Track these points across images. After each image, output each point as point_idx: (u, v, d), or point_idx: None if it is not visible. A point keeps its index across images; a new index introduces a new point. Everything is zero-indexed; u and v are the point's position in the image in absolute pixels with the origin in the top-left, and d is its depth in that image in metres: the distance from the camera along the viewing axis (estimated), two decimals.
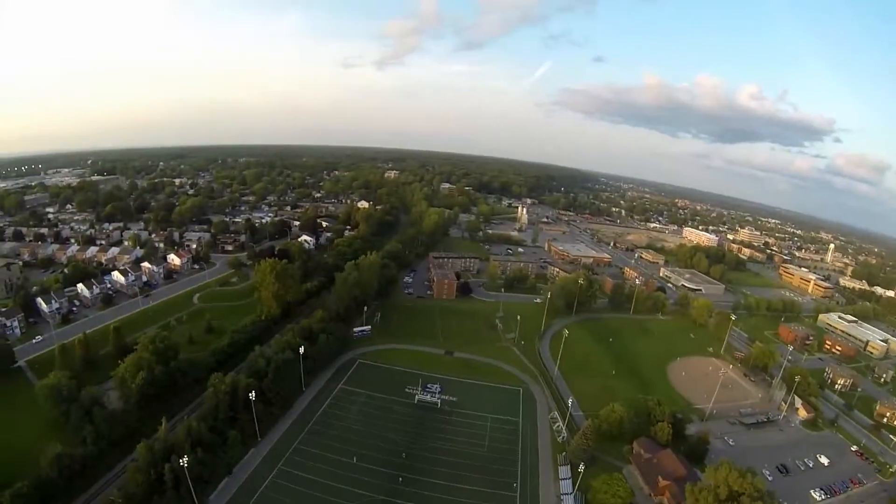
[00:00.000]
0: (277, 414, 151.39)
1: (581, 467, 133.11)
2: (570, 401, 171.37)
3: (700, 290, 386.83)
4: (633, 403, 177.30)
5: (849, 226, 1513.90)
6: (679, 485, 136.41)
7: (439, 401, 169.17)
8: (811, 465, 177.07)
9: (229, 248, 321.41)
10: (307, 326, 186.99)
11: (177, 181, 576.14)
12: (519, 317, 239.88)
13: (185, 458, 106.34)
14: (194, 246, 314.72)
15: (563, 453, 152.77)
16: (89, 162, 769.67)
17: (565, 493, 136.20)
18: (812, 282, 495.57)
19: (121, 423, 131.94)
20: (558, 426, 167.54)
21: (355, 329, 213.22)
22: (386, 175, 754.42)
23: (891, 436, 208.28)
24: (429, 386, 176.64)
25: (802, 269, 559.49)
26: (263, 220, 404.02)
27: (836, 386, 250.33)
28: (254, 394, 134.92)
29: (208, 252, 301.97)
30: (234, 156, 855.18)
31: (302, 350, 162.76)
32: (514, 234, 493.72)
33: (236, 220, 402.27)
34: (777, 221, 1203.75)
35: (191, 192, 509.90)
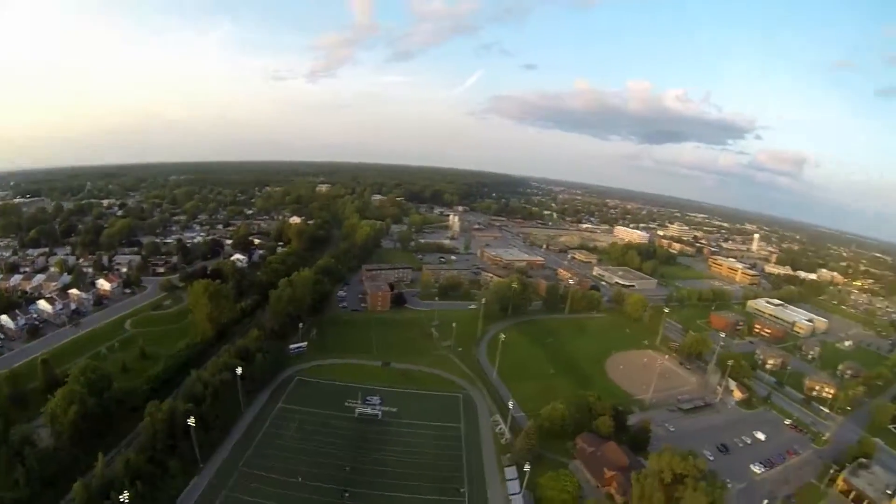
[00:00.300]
0: (218, 439, 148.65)
1: (527, 467, 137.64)
2: (510, 403, 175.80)
3: (633, 286, 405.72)
4: (574, 400, 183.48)
5: (772, 216, 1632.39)
6: (624, 474, 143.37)
7: (380, 412, 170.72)
8: (749, 442, 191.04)
9: (161, 270, 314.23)
10: (243, 346, 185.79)
11: (105, 202, 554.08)
12: (454, 324, 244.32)
13: (126, 494, 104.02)
14: (125, 270, 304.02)
15: (508, 454, 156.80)
16: (11, 184, 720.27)
17: (513, 494, 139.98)
18: (739, 271, 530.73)
19: (54, 461, 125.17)
20: (500, 429, 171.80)
21: (291, 346, 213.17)
22: (317, 189, 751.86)
23: (821, 407, 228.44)
24: (368, 398, 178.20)
25: (730, 259, 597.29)
26: (195, 240, 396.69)
27: (767, 366, 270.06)
28: (192, 420, 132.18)
29: (139, 275, 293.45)
30: (165, 174, 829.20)
31: (239, 371, 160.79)
32: (447, 242, 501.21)
33: (167, 240, 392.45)
34: (704, 216, 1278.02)
35: (120, 213, 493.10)
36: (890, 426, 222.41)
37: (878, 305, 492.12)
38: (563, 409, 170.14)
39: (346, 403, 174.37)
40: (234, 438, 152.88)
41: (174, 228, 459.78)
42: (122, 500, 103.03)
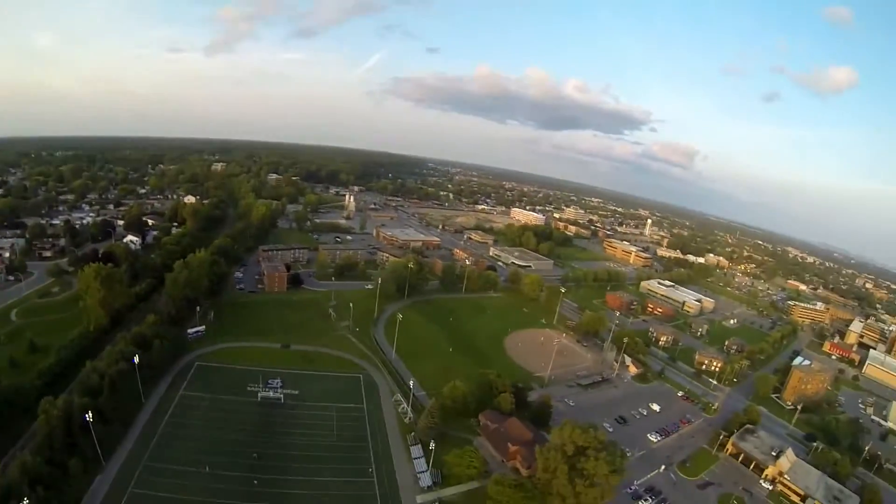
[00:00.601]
0: (119, 433, 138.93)
1: (431, 445, 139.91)
2: (411, 382, 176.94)
3: (530, 266, 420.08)
4: (475, 378, 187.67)
5: (664, 203, 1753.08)
6: (528, 448, 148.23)
7: (282, 396, 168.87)
8: (645, 413, 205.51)
9: (48, 254, 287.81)
10: (139, 333, 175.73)
11: None
12: (352, 304, 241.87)
13: (26, 502, 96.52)
14: (7, 255, 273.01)
15: (412, 433, 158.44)
16: None
17: (420, 472, 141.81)
18: (633, 253, 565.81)
19: None
20: (403, 408, 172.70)
21: (190, 330, 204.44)
22: (213, 168, 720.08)
23: (710, 380, 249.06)
24: (270, 382, 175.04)
25: (624, 242, 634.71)
26: (85, 221, 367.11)
27: (660, 343, 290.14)
28: (90, 415, 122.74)
29: (23, 260, 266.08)
30: (50, 149, 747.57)
31: (136, 359, 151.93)
32: (343, 222, 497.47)
33: (54, 222, 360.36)
34: (599, 200, 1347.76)
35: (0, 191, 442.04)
36: (772, 395, 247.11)
37: (760, 288, 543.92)
38: (463, 388, 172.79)
39: (249, 388, 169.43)
40: (136, 431, 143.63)
41: (61, 209, 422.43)
42: None
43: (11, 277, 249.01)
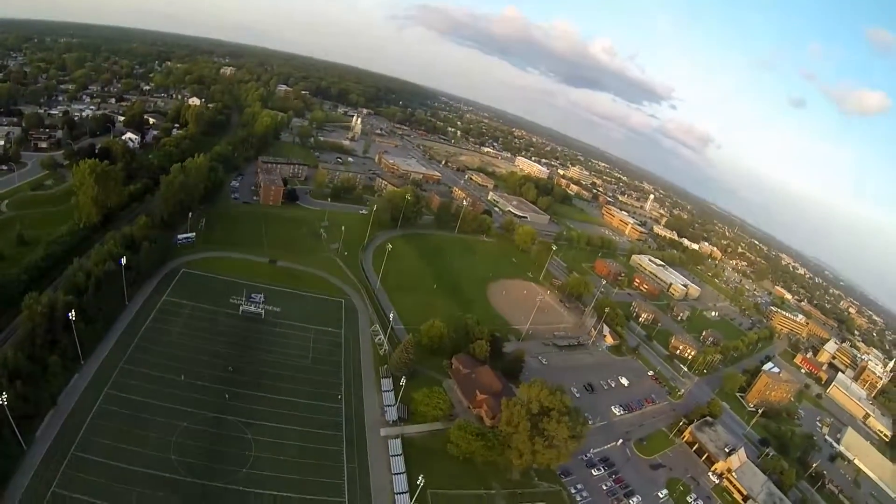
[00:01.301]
0: (100, 333, 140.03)
1: (403, 381, 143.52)
2: (391, 315, 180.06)
3: (526, 217, 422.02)
4: (454, 320, 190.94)
5: (669, 181, 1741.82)
6: (495, 398, 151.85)
7: (263, 311, 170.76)
8: (613, 385, 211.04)
9: (44, 145, 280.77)
10: (129, 234, 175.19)
11: None
12: (344, 227, 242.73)
13: (4, 396, 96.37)
14: (1, 143, 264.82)
15: (385, 366, 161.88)
16: None
17: (388, 405, 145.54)
18: (630, 225, 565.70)
19: None
20: (380, 339, 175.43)
21: (179, 236, 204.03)
22: (221, 71, 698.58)
23: (681, 365, 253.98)
24: (253, 296, 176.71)
25: (623, 212, 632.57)
26: (84, 114, 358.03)
27: (640, 319, 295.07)
28: (73, 313, 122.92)
29: (18, 150, 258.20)
30: (54, 34, 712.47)
31: (124, 261, 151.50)
32: (346, 143, 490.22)
33: (52, 112, 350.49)
34: (606, 165, 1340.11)
35: None
36: (737, 394, 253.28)
37: (747, 287, 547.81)
38: (441, 328, 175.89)
39: (231, 300, 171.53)
40: (116, 333, 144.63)
41: (61, 98, 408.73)
42: (1, 401, 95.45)
43: (4, 167, 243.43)
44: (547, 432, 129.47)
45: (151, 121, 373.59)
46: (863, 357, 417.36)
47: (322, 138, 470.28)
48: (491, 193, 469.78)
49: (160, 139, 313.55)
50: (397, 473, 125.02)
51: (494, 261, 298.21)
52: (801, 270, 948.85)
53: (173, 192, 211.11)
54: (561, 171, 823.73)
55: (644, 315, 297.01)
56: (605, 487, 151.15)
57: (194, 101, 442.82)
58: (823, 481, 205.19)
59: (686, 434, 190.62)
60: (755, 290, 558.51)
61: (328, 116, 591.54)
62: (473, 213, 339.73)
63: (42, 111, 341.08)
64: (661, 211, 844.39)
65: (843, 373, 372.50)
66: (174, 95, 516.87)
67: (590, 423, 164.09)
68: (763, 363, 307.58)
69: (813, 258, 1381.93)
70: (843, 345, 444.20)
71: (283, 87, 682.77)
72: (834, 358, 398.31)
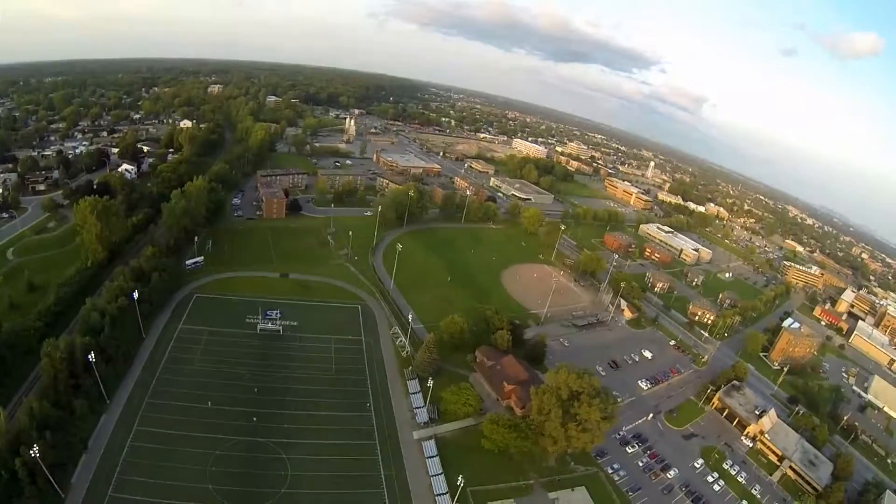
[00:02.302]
0: (121, 370, 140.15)
1: (430, 382, 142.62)
2: (409, 315, 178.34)
3: (530, 199, 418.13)
4: (472, 313, 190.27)
5: (667, 146, 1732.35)
6: (523, 387, 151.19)
7: (281, 327, 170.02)
8: (637, 360, 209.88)
9: (41, 187, 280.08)
10: (138, 267, 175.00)
11: None
12: (351, 232, 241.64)
13: (35, 448, 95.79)
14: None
15: (410, 367, 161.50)
16: None
17: (418, 407, 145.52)
18: (634, 195, 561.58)
19: None
20: (401, 341, 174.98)
21: (188, 261, 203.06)
22: (209, 90, 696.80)
23: (702, 331, 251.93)
24: (269, 313, 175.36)
25: (626, 182, 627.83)
26: (78, 151, 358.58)
27: (656, 289, 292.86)
28: (93, 355, 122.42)
29: (17, 196, 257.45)
30: (39, 75, 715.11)
31: (136, 295, 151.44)
32: (342, 146, 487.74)
33: (46, 153, 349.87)
34: (603, 137, 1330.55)
35: None
36: (761, 354, 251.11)
37: (758, 244, 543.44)
38: (461, 322, 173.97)
39: (247, 319, 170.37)
40: (138, 367, 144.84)
41: (53, 138, 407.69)
42: (33, 454, 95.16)
43: (6, 215, 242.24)
44: (579, 416, 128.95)
45: (145, 149, 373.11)
46: (881, 302, 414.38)
47: (318, 144, 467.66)
48: (492, 179, 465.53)
49: (156, 166, 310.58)
50: (435, 475, 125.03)
51: (504, 247, 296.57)
52: (810, 221, 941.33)
53: (176, 218, 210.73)
54: (559, 149, 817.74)
55: (659, 284, 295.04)
56: (640, 464, 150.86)
57: (186, 123, 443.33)
58: (856, 433, 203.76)
59: (715, 400, 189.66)
60: (766, 246, 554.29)
61: (321, 122, 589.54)
62: (478, 202, 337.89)
63: (36, 153, 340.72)
64: (664, 177, 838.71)
65: (864, 320, 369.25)
66: (165, 120, 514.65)
67: (619, 400, 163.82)
68: (783, 320, 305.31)
69: (820, 207, 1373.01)
70: (861, 292, 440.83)
71: (272, 98, 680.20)
72: (853, 306, 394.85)
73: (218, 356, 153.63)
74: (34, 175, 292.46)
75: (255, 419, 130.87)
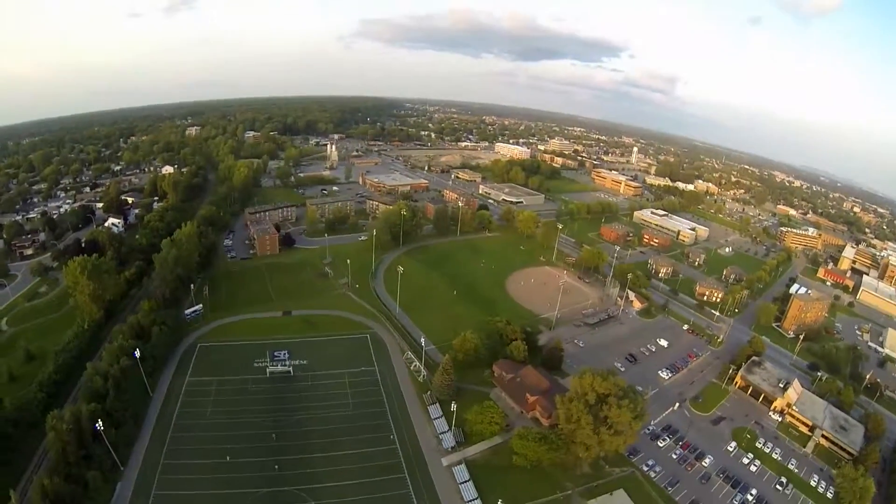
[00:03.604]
0: (132, 434, 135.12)
1: (453, 406, 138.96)
2: (422, 340, 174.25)
3: (521, 202, 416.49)
4: (483, 327, 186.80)
5: (647, 129, 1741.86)
6: (546, 396, 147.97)
7: (291, 368, 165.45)
8: (654, 350, 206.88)
9: (29, 252, 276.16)
10: (136, 323, 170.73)
11: None
12: (348, 260, 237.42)
13: None
14: None
15: (428, 392, 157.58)
16: None
17: (442, 432, 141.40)
18: (623, 183, 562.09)
19: None
20: (415, 366, 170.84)
21: (187, 311, 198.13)
22: (187, 133, 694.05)
23: (712, 311, 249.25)
24: (276, 354, 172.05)
25: (613, 171, 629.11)
26: (62, 210, 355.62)
27: (660, 274, 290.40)
28: (100, 422, 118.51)
29: (4, 263, 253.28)
30: (16, 137, 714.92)
31: (138, 353, 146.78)
32: (327, 173, 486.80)
33: (30, 216, 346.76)
34: (582, 129, 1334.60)
35: None
36: (774, 325, 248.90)
37: (751, 214, 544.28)
38: (474, 339, 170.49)
39: (255, 364, 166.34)
40: (149, 428, 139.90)
41: (36, 200, 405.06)
42: None
43: None
44: (610, 419, 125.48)
45: (130, 200, 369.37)
46: (881, 254, 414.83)
47: (302, 174, 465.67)
48: (481, 186, 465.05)
49: (143, 217, 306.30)
50: (470, 501, 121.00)
51: (504, 254, 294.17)
52: (797, 183, 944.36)
53: (169, 268, 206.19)
54: (542, 147, 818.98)
55: (663, 269, 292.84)
56: (674, 456, 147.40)
57: (167, 169, 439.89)
58: (880, 390, 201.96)
59: (737, 380, 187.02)
60: (759, 214, 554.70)
61: (302, 151, 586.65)
62: (470, 212, 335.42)
63: (20, 217, 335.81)
64: (648, 161, 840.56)
65: (868, 275, 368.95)
66: (146, 168, 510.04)
67: (645, 395, 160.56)
68: (789, 286, 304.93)
69: (804, 167, 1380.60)
70: (860, 247, 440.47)
71: (250, 134, 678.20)
72: (854, 262, 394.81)
73: (230, 406, 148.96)
74: (20, 240, 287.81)
75: (276, 467, 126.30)
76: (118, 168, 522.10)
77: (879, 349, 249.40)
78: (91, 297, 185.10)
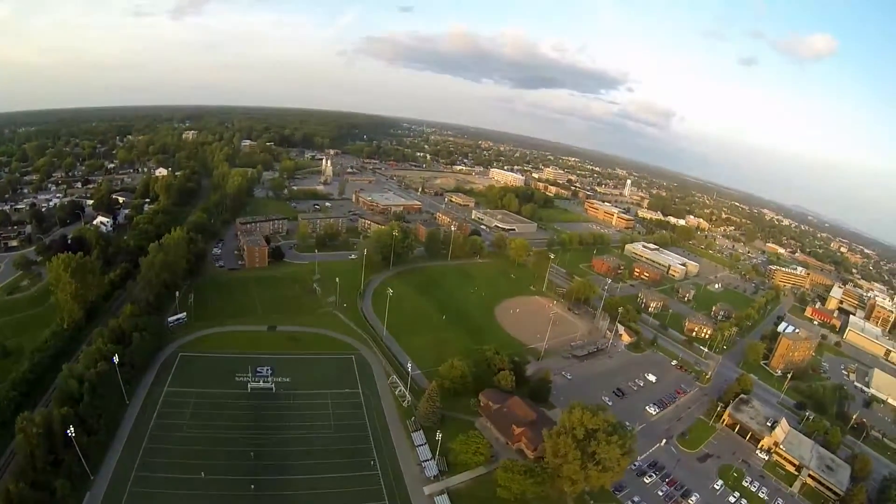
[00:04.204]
0: (105, 441, 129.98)
1: (438, 435, 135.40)
2: (408, 365, 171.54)
3: (514, 229, 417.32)
4: (471, 354, 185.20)
5: (640, 162, 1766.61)
6: (532, 428, 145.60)
7: (273, 385, 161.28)
8: (642, 385, 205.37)
9: (14, 243, 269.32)
10: (117, 327, 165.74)
11: None
12: (337, 278, 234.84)
13: None
14: None
15: (412, 418, 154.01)
16: None
17: (425, 460, 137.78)
18: (615, 215, 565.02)
19: None
20: (400, 391, 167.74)
21: (170, 318, 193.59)
22: (184, 136, 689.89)
23: (701, 347, 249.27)
24: (259, 370, 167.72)
25: (606, 203, 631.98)
26: (51, 203, 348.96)
27: (650, 308, 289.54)
28: (72, 429, 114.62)
29: None
30: (12, 125, 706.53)
31: (116, 359, 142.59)
32: (321, 188, 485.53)
33: (18, 206, 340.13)
34: (576, 159, 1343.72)
35: None
36: (762, 363, 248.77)
37: (740, 251, 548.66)
38: (462, 367, 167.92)
39: (237, 378, 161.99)
40: (122, 437, 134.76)
41: (26, 190, 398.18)
42: None
43: None
44: (598, 455, 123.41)
45: (121, 200, 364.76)
46: (868, 294, 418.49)
47: (295, 187, 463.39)
48: (474, 212, 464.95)
49: (133, 218, 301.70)
50: None
51: (494, 281, 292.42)
52: (786, 221, 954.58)
53: (155, 272, 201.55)
54: (535, 175, 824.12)
55: (653, 304, 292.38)
56: (660, 493, 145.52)
57: (161, 171, 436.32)
58: (866, 430, 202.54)
59: (725, 417, 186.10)
60: (749, 252, 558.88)
61: (297, 164, 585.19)
62: (462, 237, 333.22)
63: (8, 207, 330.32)
64: (641, 193, 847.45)
65: (854, 314, 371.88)
66: (140, 169, 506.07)
67: (632, 431, 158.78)
68: (777, 324, 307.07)
69: (793, 206, 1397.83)
70: (847, 287, 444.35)
71: (247, 143, 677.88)
72: (842, 302, 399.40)
73: (208, 420, 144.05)
74: (6, 230, 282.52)
75: (252, 487, 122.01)
76: (112, 166, 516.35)
77: (865, 389, 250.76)
78: (73, 296, 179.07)
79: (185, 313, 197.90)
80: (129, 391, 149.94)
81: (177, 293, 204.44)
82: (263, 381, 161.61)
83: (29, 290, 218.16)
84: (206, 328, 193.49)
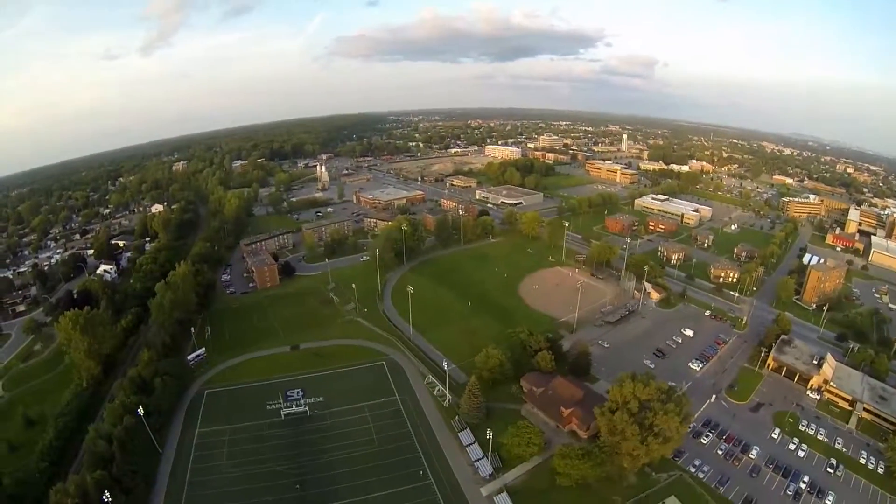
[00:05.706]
0: (143, 497, 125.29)
1: (489, 434, 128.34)
2: (443, 362, 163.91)
3: (521, 202, 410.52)
4: (505, 340, 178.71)
5: (631, 115, 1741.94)
6: (582, 407, 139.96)
7: (307, 407, 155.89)
8: (680, 341, 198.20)
9: (21, 308, 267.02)
10: (137, 376, 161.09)
11: None
12: (353, 284, 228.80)
13: None
14: None
15: (456, 417, 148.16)
16: None
17: (477, 460, 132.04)
18: (619, 171, 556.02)
19: None
20: (439, 390, 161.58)
21: (189, 356, 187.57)
22: (174, 169, 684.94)
23: (731, 292, 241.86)
24: (290, 394, 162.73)
25: (606, 161, 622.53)
26: (53, 260, 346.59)
27: (672, 261, 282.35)
28: (108, 493, 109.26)
29: None
30: (3, 190, 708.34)
31: (141, 410, 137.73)
32: (319, 194, 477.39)
33: (21, 269, 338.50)
34: (568, 123, 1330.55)
35: None
36: (794, 299, 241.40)
37: (749, 188, 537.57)
38: (498, 354, 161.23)
39: (268, 406, 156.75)
40: (162, 489, 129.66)
41: (26, 252, 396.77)
42: None
43: None
44: (656, 426, 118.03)
45: (121, 244, 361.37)
46: (885, 212, 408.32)
47: (294, 198, 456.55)
48: (478, 192, 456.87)
49: (135, 260, 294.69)
50: None
51: (512, 259, 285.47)
52: (788, 150, 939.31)
53: (166, 312, 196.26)
54: (531, 145, 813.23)
55: (674, 256, 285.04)
56: (720, 452, 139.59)
57: (157, 207, 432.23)
58: None
59: (770, 361, 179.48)
60: (758, 187, 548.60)
61: (292, 175, 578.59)
62: (472, 219, 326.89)
63: (10, 272, 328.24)
64: (639, 146, 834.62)
65: (875, 235, 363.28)
66: (135, 209, 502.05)
67: (683, 392, 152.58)
68: (801, 257, 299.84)
69: (792, 134, 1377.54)
70: (863, 207, 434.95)
71: (238, 163, 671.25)
72: (861, 224, 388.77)
73: (246, 456, 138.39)
74: (11, 296, 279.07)
75: None
76: (107, 211, 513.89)
77: None
78: (87, 353, 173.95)
79: (203, 349, 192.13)
80: (160, 440, 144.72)
81: (192, 329, 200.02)
82: (296, 405, 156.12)
83: (43, 354, 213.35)
84: (227, 360, 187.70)
